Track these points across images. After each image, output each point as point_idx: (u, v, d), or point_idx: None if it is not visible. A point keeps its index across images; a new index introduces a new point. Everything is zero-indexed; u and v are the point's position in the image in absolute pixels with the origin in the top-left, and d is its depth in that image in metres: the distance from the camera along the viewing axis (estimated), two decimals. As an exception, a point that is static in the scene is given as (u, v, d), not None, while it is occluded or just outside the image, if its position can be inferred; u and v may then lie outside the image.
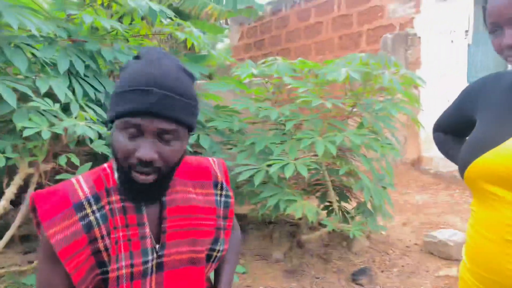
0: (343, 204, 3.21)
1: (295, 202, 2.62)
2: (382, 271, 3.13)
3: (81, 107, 2.43)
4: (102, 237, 0.95)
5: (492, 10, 1.06)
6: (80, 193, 0.96)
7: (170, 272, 1.02)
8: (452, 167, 6.00)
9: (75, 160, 2.15)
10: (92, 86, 2.62)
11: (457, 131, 1.43)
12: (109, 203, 0.98)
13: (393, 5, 6.26)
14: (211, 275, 1.21)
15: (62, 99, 2.26)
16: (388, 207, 3.03)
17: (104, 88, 2.68)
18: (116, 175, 0.99)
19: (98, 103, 2.68)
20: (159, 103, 0.89)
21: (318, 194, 3.20)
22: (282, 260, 3.18)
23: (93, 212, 0.95)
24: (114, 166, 1.00)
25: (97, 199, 0.97)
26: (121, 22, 3.65)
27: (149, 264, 0.99)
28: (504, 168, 1.04)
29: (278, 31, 8.86)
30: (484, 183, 1.11)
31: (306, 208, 2.55)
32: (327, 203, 3.17)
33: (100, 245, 0.95)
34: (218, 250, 1.11)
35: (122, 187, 0.98)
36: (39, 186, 2.42)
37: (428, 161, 5.97)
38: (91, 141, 2.36)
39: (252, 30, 9.81)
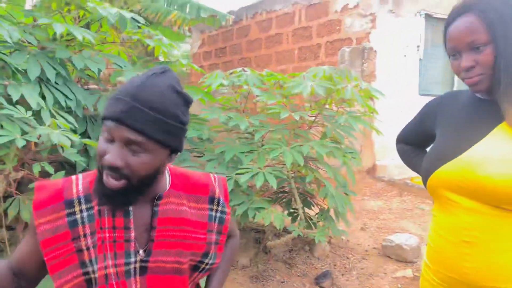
0: (306, 210, 3.34)
1: (263, 210, 2.73)
2: (342, 274, 3.29)
3: (52, 115, 2.43)
4: (85, 236, 1.00)
5: (452, 37, 1.21)
6: (74, 191, 1.03)
7: (153, 276, 1.07)
8: (404, 175, 6.34)
9: (50, 168, 2.15)
10: (63, 94, 2.61)
11: (418, 143, 1.59)
12: (99, 204, 1.02)
13: (350, 20, 6.54)
14: (202, 282, 1.28)
15: (34, 106, 2.25)
16: (349, 213, 3.19)
17: (75, 95, 2.68)
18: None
19: (68, 110, 2.67)
20: (128, 112, 0.93)
21: (283, 201, 3.32)
22: (248, 266, 3.27)
23: (81, 211, 1.01)
24: None
25: (88, 199, 1.02)
26: (88, 28, 3.64)
27: (131, 266, 1.05)
28: (462, 178, 1.19)
29: (239, 40, 8.99)
30: (445, 191, 1.25)
31: (274, 215, 2.67)
32: (292, 210, 3.30)
33: (82, 243, 1.00)
34: (207, 263, 1.15)
35: (96, 189, 1.02)
36: (7, 195, 2.38)
37: (382, 169, 6.27)
38: (62, 149, 2.36)
39: (213, 38, 9.88)
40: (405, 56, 6.52)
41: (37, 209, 1.01)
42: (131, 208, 1.05)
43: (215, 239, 1.17)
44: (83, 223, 1.01)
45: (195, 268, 1.14)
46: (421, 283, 1.44)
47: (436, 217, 1.33)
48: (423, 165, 1.34)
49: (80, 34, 2.60)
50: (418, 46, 6.67)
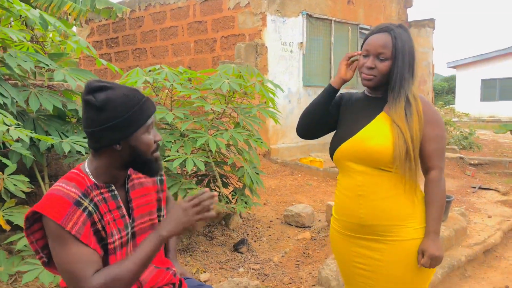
0: (224, 189, 3.87)
1: (192, 190, 3.19)
2: (255, 241, 3.91)
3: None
4: (99, 220, 1.37)
5: (369, 43, 1.74)
6: (73, 194, 1.33)
7: (140, 237, 1.52)
8: (294, 157, 7.21)
9: (8, 162, 2.34)
10: (-2, 92, 2.74)
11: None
12: (95, 196, 1.39)
13: (243, 17, 7.16)
14: None
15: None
16: (260, 189, 3.80)
17: (9, 94, 2.82)
18: (91, 177, 1.39)
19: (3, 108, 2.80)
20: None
21: (204, 182, 3.80)
22: (175, 241, 3.70)
23: (88, 204, 1.35)
24: (87, 170, 1.40)
25: (86, 195, 1.36)
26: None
27: (129, 235, 1.49)
28: (356, 150, 1.78)
29: (133, 31, 9.05)
30: (345, 161, 1.84)
31: (202, 193, 3.14)
32: (212, 190, 3.80)
33: (99, 226, 1.37)
34: (162, 215, 1.63)
35: (144, 171, 1.46)
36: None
37: (275, 152, 7.07)
38: (8, 144, 2.54)
39: (103, 27, 9.74)
40: (291, 52, 7.35)
41: (60, 220, 1.25)
42: (116, 192, 1.45)
43: (161, 195, 1.64)
44: (95, 211, 1.36)
45: (159, 221, 1.60)
46: (330, 232, 2.01)
47: (339, 181, 1.93)
48: (330, 144, 1.94)
49: (14, 35, 2.75)
50: (301, 43, 7.56)
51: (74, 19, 6.47)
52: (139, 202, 1.53)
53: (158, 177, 1.64)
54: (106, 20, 9.44)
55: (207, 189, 1.46)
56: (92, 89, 1.33)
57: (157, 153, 1.45)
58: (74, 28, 10.56)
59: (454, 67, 22.26)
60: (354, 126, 1.81)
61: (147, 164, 1.43)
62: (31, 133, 2.44)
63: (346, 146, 1.80)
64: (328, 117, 1.92)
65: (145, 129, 1.39)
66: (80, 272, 1.27)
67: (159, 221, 1.61)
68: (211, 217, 1.41)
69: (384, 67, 1.71)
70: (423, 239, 1.70)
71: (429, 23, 9.95)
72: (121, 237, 1.43)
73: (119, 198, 1.45)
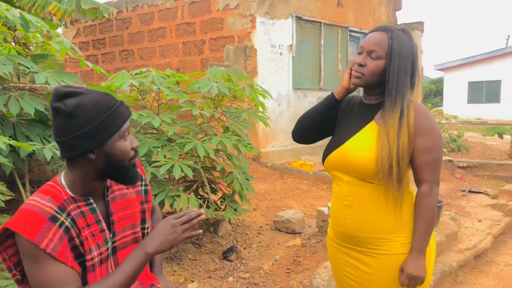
0: (213, 196, 3.78)
1: (179, 197, 3.09)
2: (244, 248, 3.82)
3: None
4: (77, 236, 1.28)
5: (365, 40, 1.70)
6: (48, 209, 1.23)
7: (121, 252, 1.43)
8: (284, 160, 7.15)
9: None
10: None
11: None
12: (72, 210, 1.29)
13: (232, 19, 7.07)
14: None
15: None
16: (250, 195, 3.71)
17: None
18: (67, 189, 1.29)
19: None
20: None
21: (192, 189, 3.70)
22: (162, 249, 3.60)
23: (65, 219, 1.26)
24: (63, 182, 1.30)
25: (62, 209, 1.26)
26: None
27: (109, 250, 1.39)
28: (341, 160, 1.73)
29: (120, 32, 8.90)
30: (333, 170, 1.80)
31: (190, 201, 3.05)
32: (199, 196, 3.70)
33: (76, 241, 1.28)
34: (147, 228, 1.53)
35: (121, 180, 1.36)
36: None
37: (265, 155, 6.99)
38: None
39: (89, 28, 9.58)
40: (280, 54, 7.29)
41: (33, 237, 1.16)
42: (95, 205, 1.35)
43: (146, 207, 1.55)
44: (72, 227, 1.26)
45: (143, 235, 1.51)
46: (327, 240, 1.98)
47: (332, 189, 1.88)
48: (323, 152, 1.88)
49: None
50: (290, 45, 7.49)
51: (59, 20, 6.32)
52: (120, 215, 1.43)
53: (143, 187, 1.55)
54: (93, 21, 9.27)
55: (195, 209, 1.38)
56: (60, 95, 1.23)
57: (134, 160, 1.36)
58: (60, 29, 10.38)
59: (441, 69, 22.43)
60: (344, 135, 1.77)
61: (124, 172, 1.34)
62: (9, 140, 2.33)
63: (333, 156, 1.76)
64: (327, 123, 1.87)
65: (120, 135, 1.29)
66: None
67: (142, 234, 1.51)
68: (198, 235, 1.33)
69: (375, 66, 1.64)
70: (406, 256, 1.64)
71: (418, 26, 9.96)
72: (100, 253, 1.33)
73: (98, 211, 1.35)
